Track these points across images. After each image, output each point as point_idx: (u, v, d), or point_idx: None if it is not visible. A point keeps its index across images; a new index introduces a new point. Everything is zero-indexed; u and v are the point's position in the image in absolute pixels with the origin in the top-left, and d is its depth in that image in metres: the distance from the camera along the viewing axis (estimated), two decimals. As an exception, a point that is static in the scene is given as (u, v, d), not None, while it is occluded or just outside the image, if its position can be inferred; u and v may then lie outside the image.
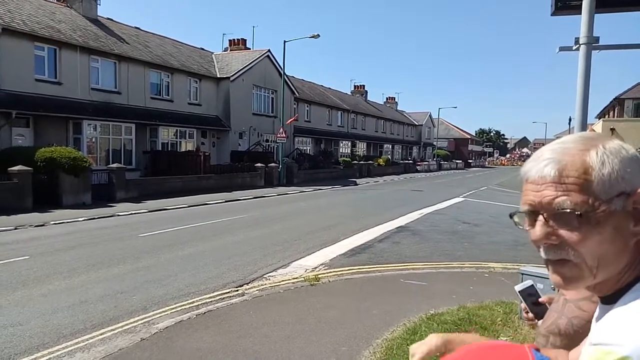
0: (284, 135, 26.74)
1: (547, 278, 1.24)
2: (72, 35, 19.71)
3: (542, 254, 0.80)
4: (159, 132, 23.12)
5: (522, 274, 4.76)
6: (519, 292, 1.42)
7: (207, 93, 27.07)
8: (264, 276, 7.48)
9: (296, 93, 33.89)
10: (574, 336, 1.14)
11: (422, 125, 63.97)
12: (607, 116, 36.65)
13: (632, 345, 0.66)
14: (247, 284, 7.04)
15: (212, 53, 31.42)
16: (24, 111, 17.07)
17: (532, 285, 1.42)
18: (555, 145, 0.81)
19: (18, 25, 17.41)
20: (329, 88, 46.29)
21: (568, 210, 0.74)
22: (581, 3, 4.71)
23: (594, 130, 27.40)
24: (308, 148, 36.83)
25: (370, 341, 4.74)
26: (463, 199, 21.04)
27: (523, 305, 1.42)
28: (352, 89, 54.33)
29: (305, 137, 36.52)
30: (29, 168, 14.64)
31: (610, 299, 0.79)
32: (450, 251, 9.48)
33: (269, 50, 30.75)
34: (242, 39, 32.59)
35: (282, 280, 7.20)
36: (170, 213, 14.86)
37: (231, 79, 27.49)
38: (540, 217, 0.78)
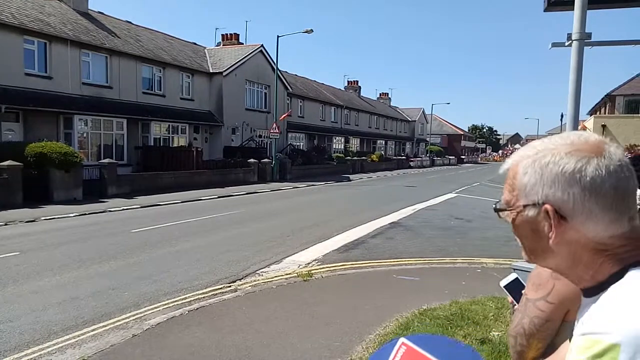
0: (277, 131, 26.67)
1: None
2: (62, 28, 19.48)
3: None
4: (151, 128, 22.95)
5: (514, 269, 4.78)
6: (504, 287, 1.42)
7: (200, 88, 26.91)
8: (257, 272, 7.47)
9: (289, 88, 33.77)
10: (536, 334, 1.17)
11: (415, 121, 64.07)
12: (598, 112, 36.92)
13: (620, 332, 0.69)
14: (240, 279, 7.02)
15: (205, 48, 31.20)
16: (13, 105, 16.85)
17: (517, 278, 1.41)
18: (533, 144, 0.88)
19: (6, 18, 17.15)
20: (323, 83, 46.20)
21: (500, 206, 0.88)
22: (574, -1, 4.72)
23: (585, 127, 27.57)
24: (301, 144, 36.75)
25: (362, 336, 4.74)
26: (456, 194, 21.14)
27: (510, 298, 1.42)
28: (346, 84, 54.29)
29: (299, 133, 36.44)
30: (19, 163, 14.48)
31: (589, 292, 0.82)
32: (443, 247, 9.52)
33: (262, 45, 30.60)
34: (235, 33, 32.40)
35: (275, 276, 7.18)
36: (162, 209, 14.78)
37: (224, 74, 27.32)
38: None
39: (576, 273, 0.84)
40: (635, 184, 0.80)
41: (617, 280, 0.78)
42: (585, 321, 0.77)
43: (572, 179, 0.78)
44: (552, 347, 1.16)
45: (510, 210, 0.86)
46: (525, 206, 0.83)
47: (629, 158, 0.82)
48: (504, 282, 1.42)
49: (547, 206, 0.80)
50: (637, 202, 0.81)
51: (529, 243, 0.86)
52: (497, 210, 0.89)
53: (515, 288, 1.40)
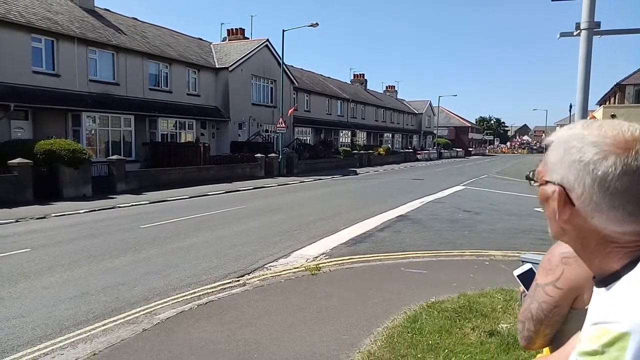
0: (284, 125, 26.66)
1: None
2: (70, 26, 19.57)
3: None
4: (158, 124, 23.05)
5: (523, 261, 4.75)
6: (517, 276, 1.42)
7: (206, 84, 26.94)
8: (265, 266, 7.50)
9: (295, 82, 33.71)
10: (544, 320, 1.16)
11: (422, 113, 63.73)
12: (607, 102, 36.50)
13: (630, 321, 0.70)
14: (249, 274, 7.06)
15: (211, 43, 31.20)
16: (22, 104, 17.00)
17: (531, 268, 1.41)
18: (574, 124, 0.89)
19: (14, 17, 17.26)
20: (329, 77, 46.05)
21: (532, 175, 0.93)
22: (582, -12, 4.65)
23: (594, 117, 27.29)
24: (308, 138, 36.74)
25: (371, 329, 4.75)
26: (463, 187, 21.04)
27: (521, 288, 1.42)
28: (352, 77, 54.07)
29: (305, 127, 36.42)
30: (29, 161, 14.63)
31: (600, 282, 0.83)
32: (451, 239, 9.49)
33: (267, 40, 30.54)
34: (240, 28, 32.34)
35: (283, 270, 7.21)
36: (170, 204, 14.87)
37: (230, 69, 27.33)
38: None
39: (585, 256, 0.85)
40: None
41: (629, 271, 0.78)
42: (596, 311, 0.78)
43: (585, 169, 0.78)
44: (559, 335, 1.15)
45: (535, 181, 0.90)
46: (547, 182, 0.86)
47: None
48: (517, 272, 1.42)
49: (558, 187, 0.83)
50: None
51: (547, 214, 0.89)
52: (527, 177, 0.94)
53: (529, 278, 1.39)
